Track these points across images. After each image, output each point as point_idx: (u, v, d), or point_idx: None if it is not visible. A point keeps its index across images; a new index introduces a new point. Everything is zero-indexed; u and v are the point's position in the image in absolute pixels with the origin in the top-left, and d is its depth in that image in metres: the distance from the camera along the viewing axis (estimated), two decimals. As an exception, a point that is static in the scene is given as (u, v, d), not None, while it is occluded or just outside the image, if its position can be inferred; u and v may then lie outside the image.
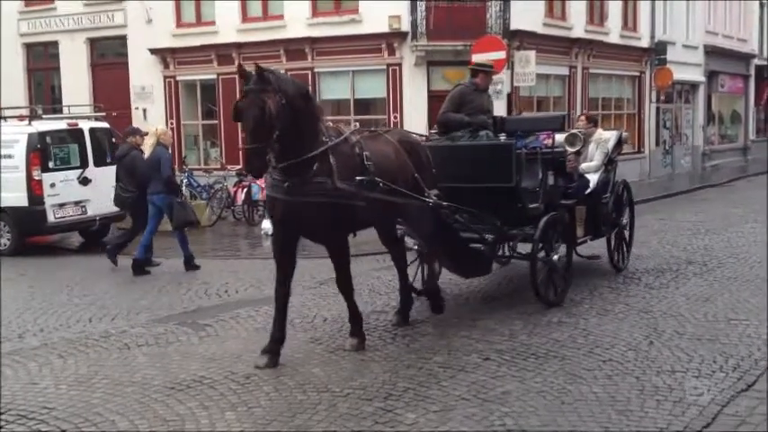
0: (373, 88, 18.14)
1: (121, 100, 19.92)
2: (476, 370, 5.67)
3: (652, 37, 23.38)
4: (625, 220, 9.46)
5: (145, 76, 20.36)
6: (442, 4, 17.55)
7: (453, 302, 7.80)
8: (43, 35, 21.73)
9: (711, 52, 26.72)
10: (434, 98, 17.42)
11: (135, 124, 19.79)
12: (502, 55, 14.81)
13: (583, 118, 9.40)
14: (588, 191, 8.62)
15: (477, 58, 14.98)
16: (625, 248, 9.42)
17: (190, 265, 10.21)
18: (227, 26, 19.23)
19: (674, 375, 5.47)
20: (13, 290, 9.17)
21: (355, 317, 6.41)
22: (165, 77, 20.28)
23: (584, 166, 8.69)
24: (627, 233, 9.54)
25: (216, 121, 19.75)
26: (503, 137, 8.28)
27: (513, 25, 17.45)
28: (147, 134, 10.62)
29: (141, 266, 10.00)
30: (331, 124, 6.36)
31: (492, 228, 7.53)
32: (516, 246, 7.79)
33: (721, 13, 28.02)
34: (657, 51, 23.29)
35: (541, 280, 7.41)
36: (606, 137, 9.18)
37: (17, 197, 12.16)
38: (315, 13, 18.55)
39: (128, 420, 4.87)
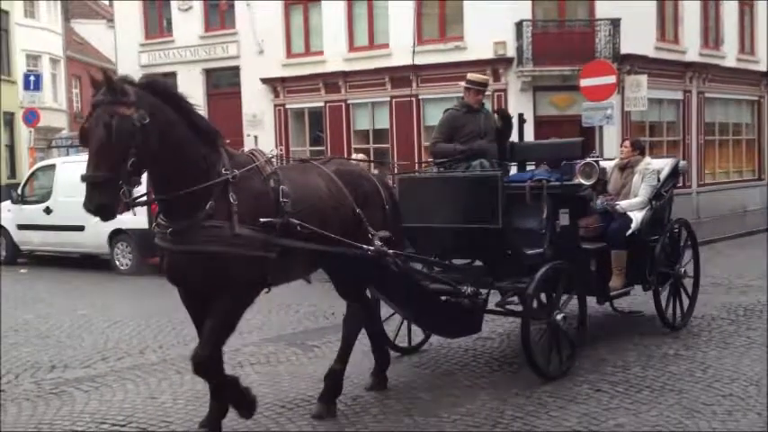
0: (478, 114, 18.14)
1: (234, 127, 20.68)
2: (587, 401, 5.52)
3: (771, 60, 22.45)
4: (684, 267, 7.82)
5: (256, 104, 21.12)
6: (550, 30, 17.44)
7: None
8: (162, 66, 22.84)
9: (836, 75, 25.32)
10: (541, 124, 17.29)
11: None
12: (612, 80, 14.52)
13: (627, 144, 7.92)
14: (629, 232, 7.19)
15: (585, 82, 14.81)
16: (684, 302, 7.78)
17: None
18: (335, 55, 19.73)
19: (802, 414, 5.16)
20: (134, 308, 9.62)
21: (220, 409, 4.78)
22: (276, 105, 20.96)
23: (624, 203, 7.34)
24: (689, 283, 7.91)
25: (323, 148, 20.20)
26: (514, 167, 7.39)
27: (624, 49, 17.12)
28: None
29: None
30: (244, 150, 5.09)
31: (472, 278, 6.31)
32: (508, 300, 6.46)
33: None
34: (777, 75, 22.32)
35: (538, 344, 6.05)
36: (655, 166, 7.66)
37: (138, 219, 12.79)
38: (420, 41, 18.79)
39: (240, 437, 5.01)
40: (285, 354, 7.13)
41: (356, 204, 5.25)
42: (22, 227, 14.51)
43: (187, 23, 22.16)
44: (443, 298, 6.20)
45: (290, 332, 8.11)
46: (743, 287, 9.83)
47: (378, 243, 5.24)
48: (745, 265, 11.68)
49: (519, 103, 17.52)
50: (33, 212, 14.11)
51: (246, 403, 4.83)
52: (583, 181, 6.47)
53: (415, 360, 6.75)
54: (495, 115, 7.38)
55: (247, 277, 4.54)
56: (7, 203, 15.25)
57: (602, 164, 7.55)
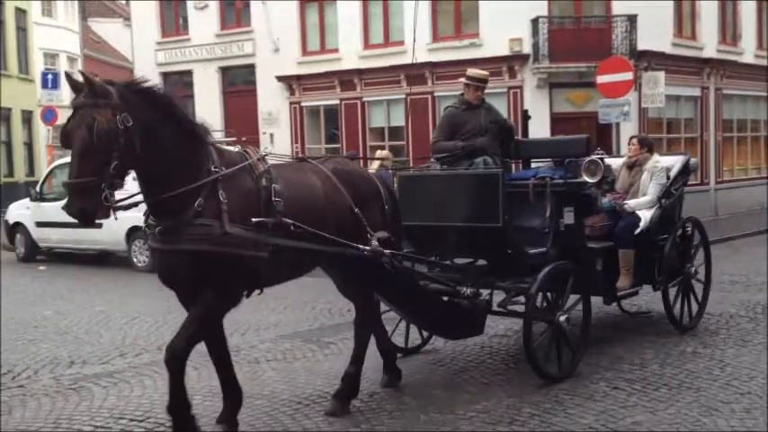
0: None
1: (250, 125, 20.79)
2: (604, 399, 5.50)
3: (789, 56, 22.27)
4: (694, 267, 7.64)
5: (272, 102, 21.19)
6: (566, 26, 17.39)
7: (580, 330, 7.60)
8: (178, 65, 23.02)
9: None
10: (558, 120, 17.25)
11: (262, 148, 20.77)
12: (629, 76, 14.46)
13: (634, 141, 7.65)
14: (638, 231, 7.02)
15: (601, 79, 14.73)
16: (694, 303, 7.57)
17: None
18: (350, 53, 19.77)
19: (822, 412, 5.12)
20: (152, 305, 9.68)
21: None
22: (291, 103, 21.03)
23: (632, 203, 7.17)
24: (699, 284, 7.72)
25: (338, 145, 20.23)
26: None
27: (641, 46, 17.06)
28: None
29: None
30: (236, 148, 4.99)
31: (472, 278, 6.16)
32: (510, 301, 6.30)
33: None
34: (796, 71, 22.12)
35: (541, 346, 5.90)
36: (664, 164, 7.46)
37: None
38: (435, 38, 18.79)
39: (257, 431, 5.04)
40: (301, 350, 7.15)
41: (355, 204, 5.13)
42: (40, 224, 14.64)
43: (203, 22, 22.27)
44: (444, 299, 6.08)
45: (306, 329, 8.13)
46: (761, 284, 9.76)
47: (375, 243, 5.11)
48: (764, 262, 11.57)
49: (535, 100, 17.51)
50: (51, 210, 14.20)
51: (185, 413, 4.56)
52: (587, 178, 6.28)
53: (431, 357, 6.75)
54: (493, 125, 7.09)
55: (237, 277, 4.47)
56: (26, 201, 15.39)
57: (609, 161, 7.40)
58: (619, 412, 5.21)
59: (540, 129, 17.01)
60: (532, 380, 5.94)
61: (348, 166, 5.53)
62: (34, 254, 15.15)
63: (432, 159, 6.93)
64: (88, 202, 3.98)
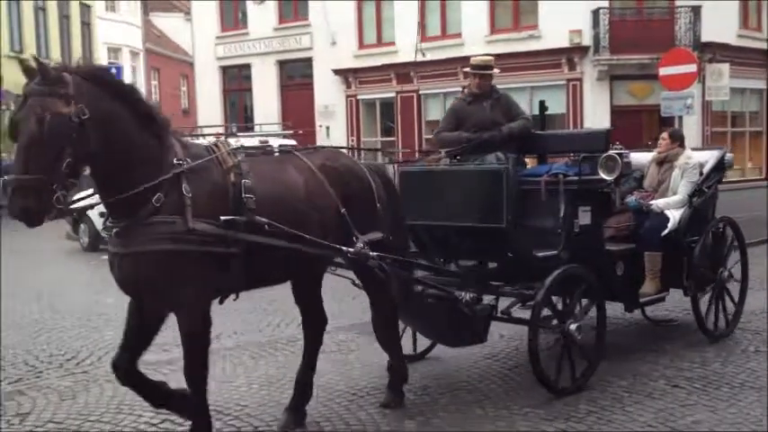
0: (553, 104, 17.86)
1: (306, 118, 20.99)
2: (663, 397, 5.40)
3: None
4: (727, 271, 7.02)
5: (328, 95, 21.33)
6: (628, 17, 17.07)
7: (637, 327, 7.47)
8: (237, 58, 23.36)
9: None
10: (618, 113, 16.96)
11: (318, 141, 20.96)
12: (692, 68, 14.10)
13: (665, 136, 7.12)
14: (665, 232, 6.53)
15: (664, 71, 14.39)
16: (725, 309, 7.04)
17: None
18: (407, 46, 19.74)
19: None
20: (209, 294, 9.86)
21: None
22: (347, 96, 21.14)
23: (660, 202, 6.65)
24: (735, 288, 7.17)
25: (394, 138, 20.25)
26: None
27: (705, 37, 16.63)
28: None
29: None
30: (203, 141, 4.64)
31: (472, 283, 5.83)
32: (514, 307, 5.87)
33: None
34: None
35: (549, 356, 5.55)
36: (698, 160, 6.92)
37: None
38: (493, 30, 18.63)
39: (313, 421, 5.08)
40: (356, 342, 7.19)
41: (342, 203, 4.68)
42: (103, 215, 15.00)
43: (261, 16, 22.55)
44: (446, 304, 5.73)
45: (362, 321, 8.13)
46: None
47: (359, 246, 4.70)
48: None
49: (595, 93, 17.26)
50: (114, 200, 14.62)
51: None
52: (604, 175, 5.73)
53: (487, 352, 6.71)
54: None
55: (202, 278, 4.11)
56: (89, 191, 15.79)
57: (637, 156, 7.10)
58: (678, 411, 5.11)
59: (600, 121, 16.77)
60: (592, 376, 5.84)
61: (338, 161, 4.99)
62: (98, 243, 15.55)
63: (440, 152, 6.51)
64: (34, 202, 3.54)
